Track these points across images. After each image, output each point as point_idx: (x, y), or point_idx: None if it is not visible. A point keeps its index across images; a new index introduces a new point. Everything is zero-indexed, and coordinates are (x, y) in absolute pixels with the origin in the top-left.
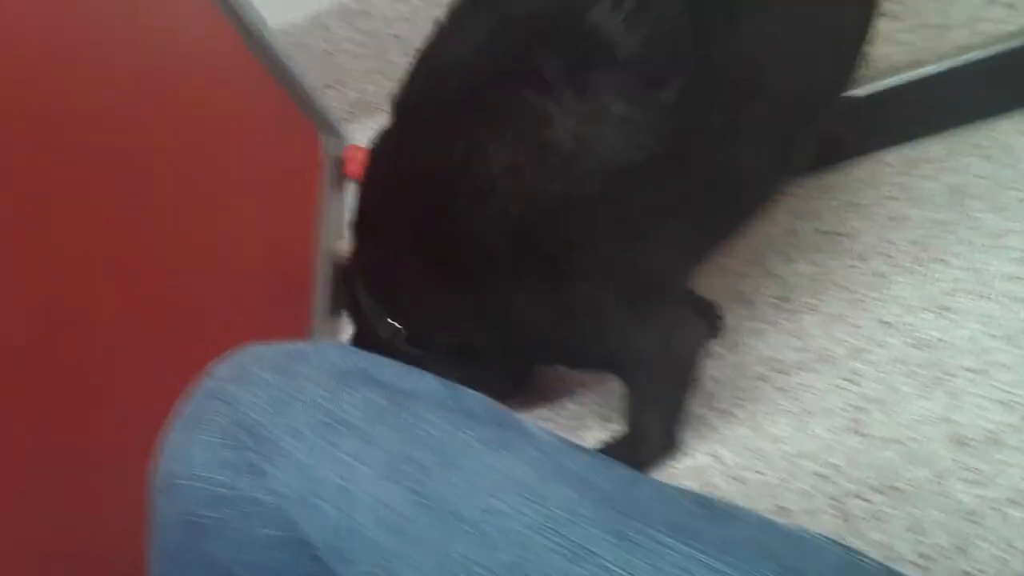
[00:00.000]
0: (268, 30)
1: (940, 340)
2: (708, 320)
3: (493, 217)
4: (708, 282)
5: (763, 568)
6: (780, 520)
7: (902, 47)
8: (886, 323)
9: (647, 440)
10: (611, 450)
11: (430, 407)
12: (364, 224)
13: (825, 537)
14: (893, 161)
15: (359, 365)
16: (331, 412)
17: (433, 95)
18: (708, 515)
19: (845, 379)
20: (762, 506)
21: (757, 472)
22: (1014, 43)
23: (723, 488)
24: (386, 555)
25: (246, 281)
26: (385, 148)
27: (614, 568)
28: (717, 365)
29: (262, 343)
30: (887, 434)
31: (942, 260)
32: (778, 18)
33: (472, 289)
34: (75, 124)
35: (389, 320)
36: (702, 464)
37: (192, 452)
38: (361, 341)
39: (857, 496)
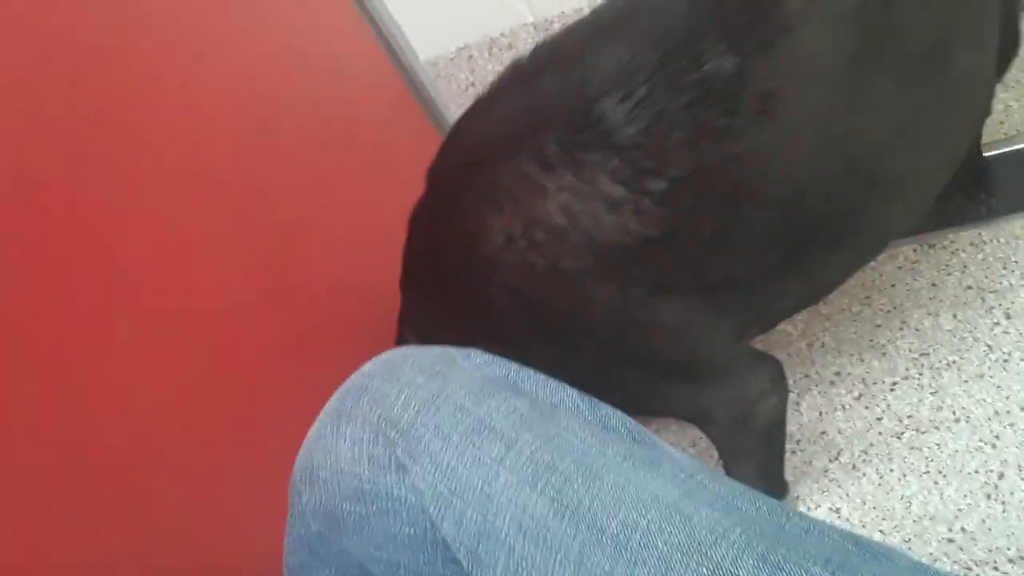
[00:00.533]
0: (419, 62)
1: None
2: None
3: (499, 287)
4: (841, 331)
5: None
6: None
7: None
8: None
9: None
10: None
11: (573, 418)
12: (407, 283)
13: None
14: (1017, 229)
15: (505, 373)
16: (477, 416)
17: (456, 167)
18: (860, 552)
19: (984, 441)
20: None
21: (881, 532)
22: None
23: None
24: (523, 562)
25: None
26: (418, 217)
27: None
28: (846, 417)
29: (413, 346)
30: None
31: None
32: (780, 133)
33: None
34: (261, 146)
35: None
36: (822, 519)
37: (338, 445)
38: None
39: (990, 565)
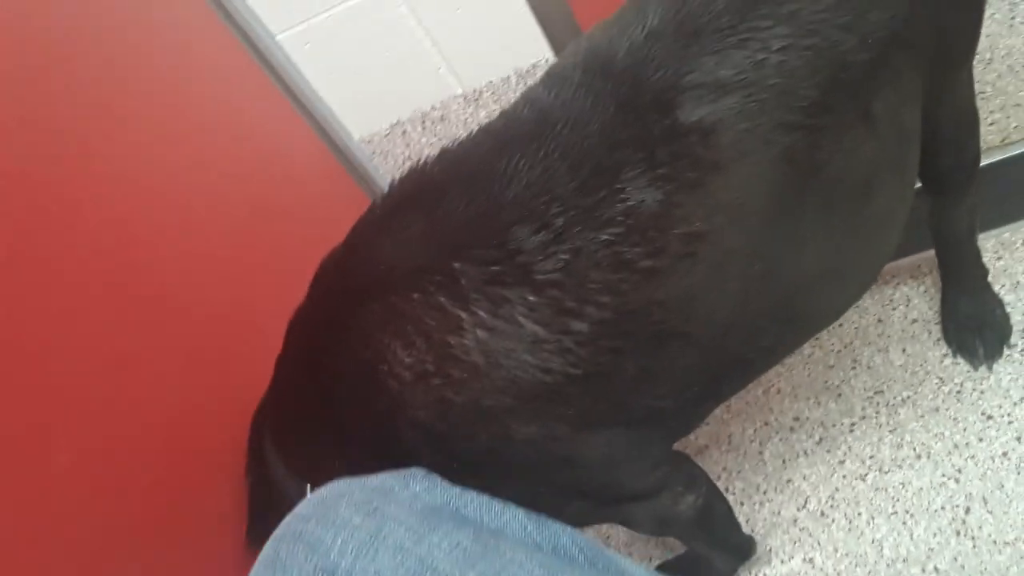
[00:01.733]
0: (353, 142)
1: None
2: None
3: (409, 424)
4: (795, 375)
5: None
6: None
7: (992, 127)
8: (987, 416)
9: (713, 565)
10: (681, 565)
11: (521, 548)
12: (278, 397)
13: None
14: (989, 245)
15: (446, 499)
16: (418, 555)
17: (351, 286)
18: None
19: (946, 476)
20: None
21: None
22: None
23: None
24: None
25: None
26: (302, 329)
27: None
28: (809, 462)
29: (348, 479)
30: (997, 536)
31: None
32: (704, 276)
33: None
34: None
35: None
36: (796, 570)
37: None
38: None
39: None
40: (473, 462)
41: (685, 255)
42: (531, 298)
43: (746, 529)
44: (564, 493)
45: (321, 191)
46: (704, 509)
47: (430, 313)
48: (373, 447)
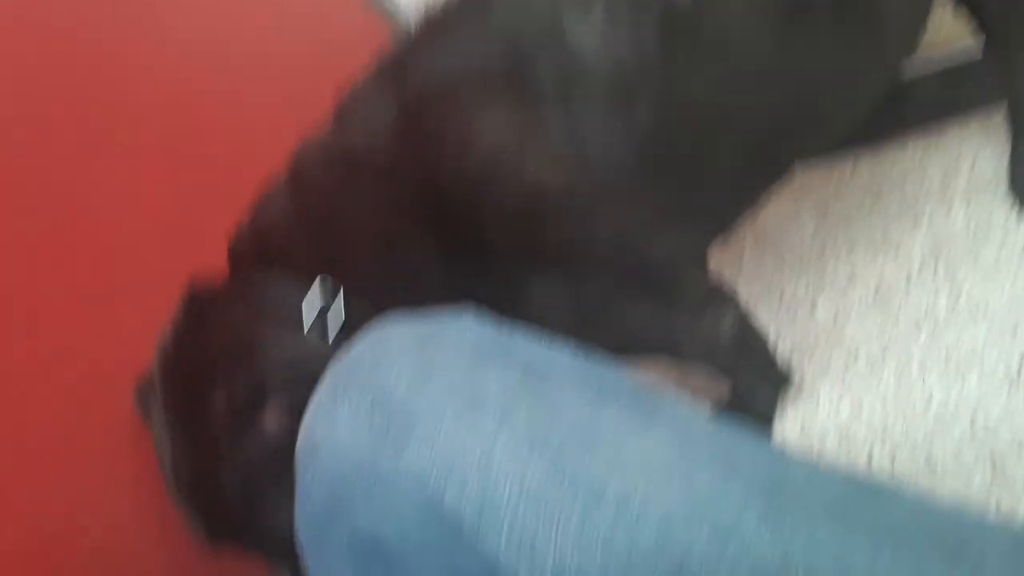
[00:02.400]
0: None
1: None
2: None
3: (481, 215)
4: (853, 230)
5: (925, 551)
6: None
7: None
8: None
9: (756, 401)
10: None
11: (568, 384)
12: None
13: (988, 514)
14: None
15: (495, 338)
16: (469, 390)
17: (430, 97)
18: (864, 495)
19: (1002, 332)
20: (908, 462)
21: (904, 427)
22: None
23: (866, 442)
24: (525, 531)
25: None
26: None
27: (763, 551)
28: (861, 318)
29: (397, 316)
30: None
31: None
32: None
33: (477, 284)
34: None
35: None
36: (843, 417)
37: (336, 422)
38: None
39: (1013, 455)
40: (548, 258)
41: (717, 48)
42: (595, 89)
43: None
44: (624, 301)
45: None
46: (743, 330)
47: (499, 109)
48: (440, 244)
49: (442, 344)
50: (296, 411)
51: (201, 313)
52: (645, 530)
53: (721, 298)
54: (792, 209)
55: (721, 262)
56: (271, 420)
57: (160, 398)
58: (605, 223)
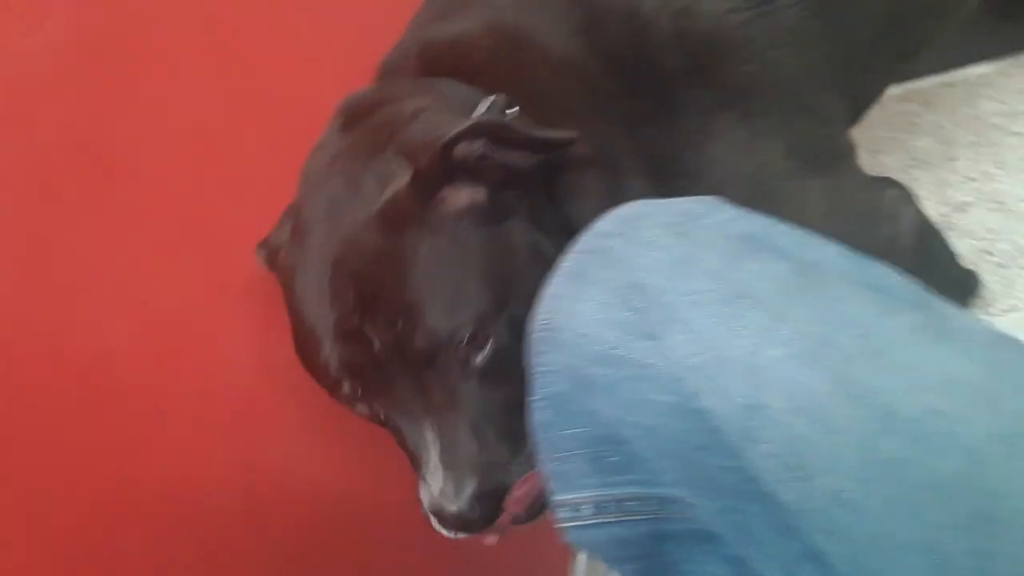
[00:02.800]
0: None
1: None
2: None
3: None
4: None
5: None
6: None
7: None
8: None
9: None
10: None
11: (843, 282)
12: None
13: None
14: None
15: (757, 229)
16: (735, 281)
17: None
18: None
19: None
20: None
21: None
22: None
23: None
24: (799, 441)
25: None
26: None
27: None
28: None
29: (647, 200)
30: None
31: None
32: None
33: (657, 132)
34: None
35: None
36: None
37: (580, 308)
38: None
39: None
40: (727, 98)
41: None
42: None
43: (1008, 294)
44: (795, 172)
45: None
46: (923, 229)
47: None
48: (630, 77)
49: (702, 231)
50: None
51: (366, 106)
52: (948, 459)
53: (894, 186)
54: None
55: None
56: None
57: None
58: (778, 65)
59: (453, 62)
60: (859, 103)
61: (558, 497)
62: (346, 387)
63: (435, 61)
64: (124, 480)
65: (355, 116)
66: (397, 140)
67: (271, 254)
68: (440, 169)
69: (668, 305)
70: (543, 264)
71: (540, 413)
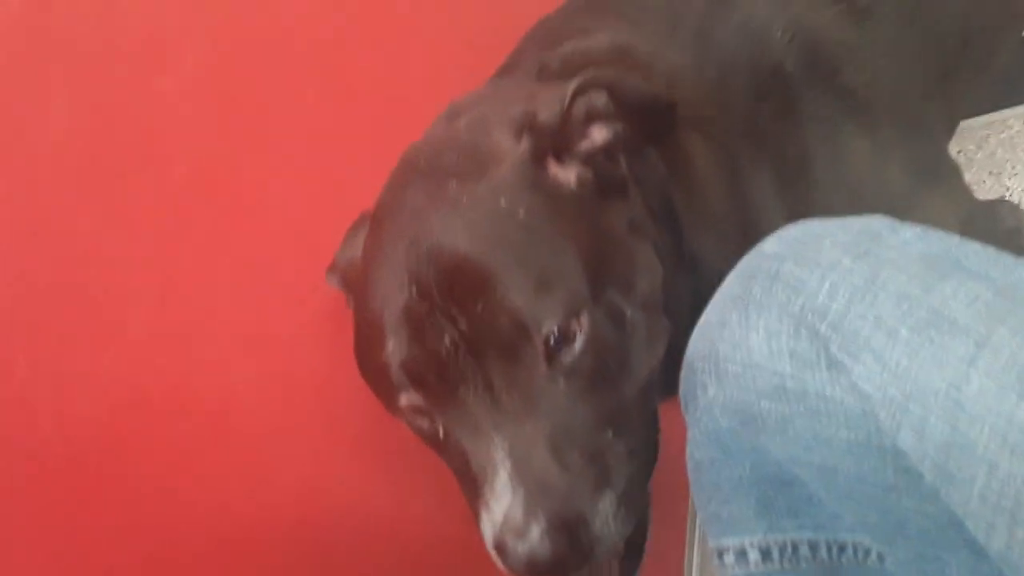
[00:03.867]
0: None
1: None
2: None
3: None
4: None
5: None
6: None
7: None
8: None
9: None
10: None
11: None
12: None
13: None
14: None
15: (945, 249)
16: (929, 306)
17: None
18: None
19: None
20: None
21: None
22: None
23: None
24: (1011, 480)
25: None
26: None
27: None
28: None
29: (819, 219)
30: None
31: None
32: None
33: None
34: None
35: None
36: None
37: (749, 336)
38: None
39: None
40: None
41: None
42: None
43: None
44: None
45: None
46: None
47: None
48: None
49: (886, 251)
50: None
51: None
52: None
53: (1004, 203)
54: None
55: None
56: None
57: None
58: (888, 74)
59: (564, 73)
60: (953, 121)
61: (719, 542)
62: (405, 396)
63: (548, 72)
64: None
65: (459, 111)
66: (503, 120)
67: (343, 273)
68: (562, 124)
69: (852, 332)
70: (645, 249)
71: (700, 451)
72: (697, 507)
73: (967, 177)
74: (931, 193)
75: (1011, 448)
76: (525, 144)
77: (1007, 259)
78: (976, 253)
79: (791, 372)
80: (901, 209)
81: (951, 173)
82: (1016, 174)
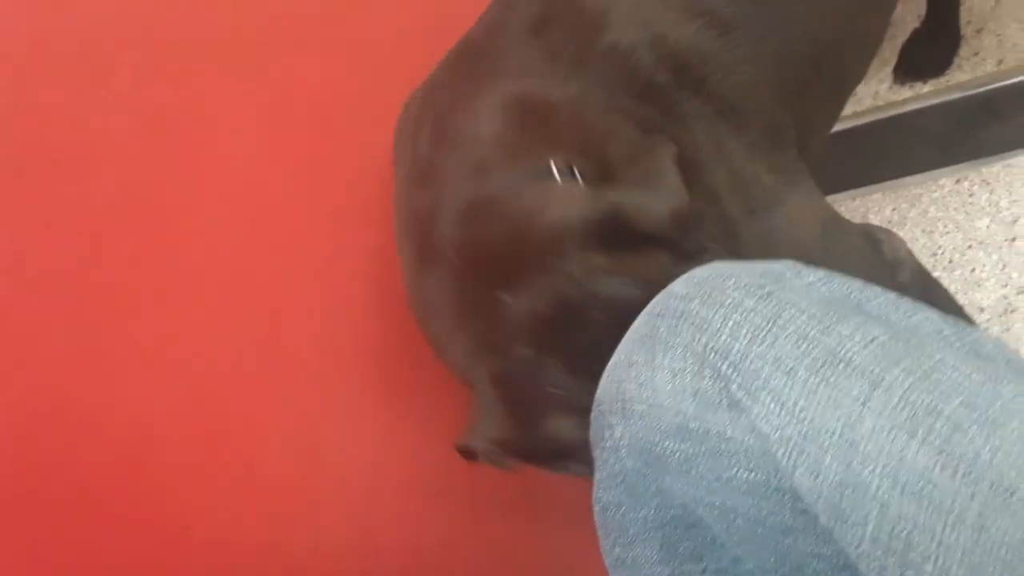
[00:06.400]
0: None
1: None
2: None
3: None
4: None
5: None
6: None
7: None
8: None
9: None
10: None
11: (944, 347)
12: None
13: None
14: None
15: (846, 291)
16: (827, 347)
17: None
18: None
19: None
20: None
21: None
22: None
23: None
24: (902, 521)
25: None
26: None
27: None
28: None
29: (727, 261)
30: None
31: None
32: None
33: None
34: None
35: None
36: None
37: (655, 376)
38: None
39: None
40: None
41: None
42: None
43: None
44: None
45: None
46: (921, 270)
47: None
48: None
49: (788, 292)
50: None
51: None
52: None
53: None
54: None
55: None
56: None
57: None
58: (750, 81)
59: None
60: (806, 133)
61: None
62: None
63: None
64: None
65: None
66: None
67: None
68: None
69: (752, 372)
70: None
71: (606, 493)
72: (603, 552)
73: (901, 234)
74: (792, 192)
75: (902, 488)
76: None
77: (906, 304)
78: (877, 297)
79: (694, 412)
80: (771, 206)
81: (806, 178)
82: (947, 232)
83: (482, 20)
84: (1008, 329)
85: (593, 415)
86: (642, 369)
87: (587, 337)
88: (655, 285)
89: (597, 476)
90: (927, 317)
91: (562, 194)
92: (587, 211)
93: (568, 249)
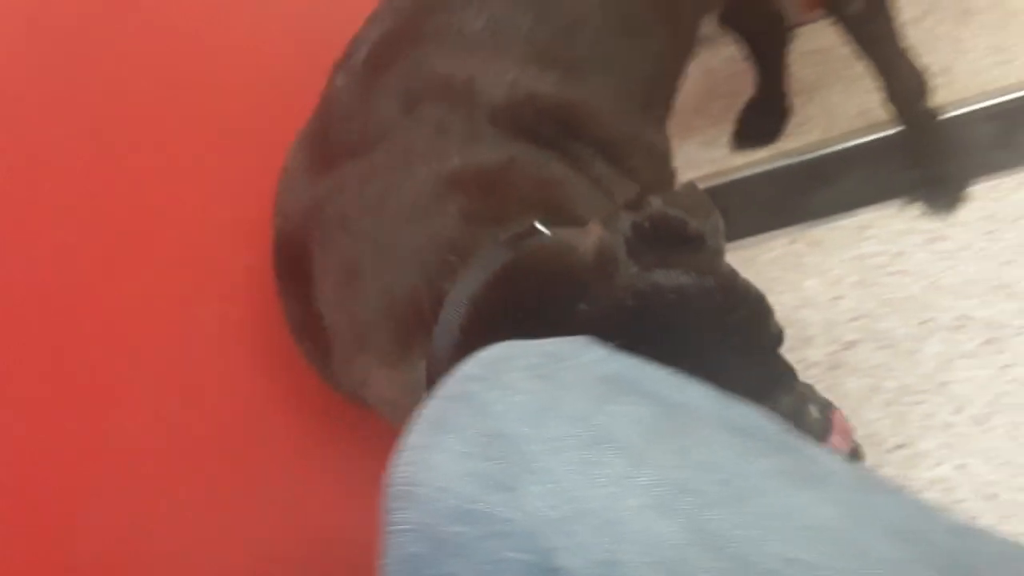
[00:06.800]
0: None
1: None
2: None
3: None
4: (963, 270)
5: None
6: None
7: None
8: None
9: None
10: None
11: (710, 426)
12: None
13: None
14: None
15: (623, 370)
16: (596, 426)
17: None
18: None
19: None
20: (1017, 527)
21: (1014, 489)
22: None
23: (971, 505)
24: None
25: None
26: None
27: None
28: (971, 365)
29: (516, 341)
30: None
31: None
32: None
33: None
34: None
35: None
36: (947, 476)
37: (437, 459)
38: None
39: None
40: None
41: None
42: None
43: (896, 432)
44: None
45: None
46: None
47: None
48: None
49: (566, 372)
50: None
51: None
52: None
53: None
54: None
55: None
56: None
57: None
58: (612, 112)
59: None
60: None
61: None
62: None
63: None
64: None
65: None
66: None
67: None
68: None
69: (527, 454)
70: None
71: None
72: None
73: None
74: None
75: (659, 566)
76: None
77: (681, 380)
78: (654, 373)
79: (472, 494)
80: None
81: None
82: (782, 292)
83: (329, 106)
84: (837, 383)
85: (383, 502)
86: (427, 452)
87: (669, 321)
88: (708, 274)
89: (384, 560)
90: (699, 393)
91: (574, 232)
92: (616, 228)
93: (619, 256)
